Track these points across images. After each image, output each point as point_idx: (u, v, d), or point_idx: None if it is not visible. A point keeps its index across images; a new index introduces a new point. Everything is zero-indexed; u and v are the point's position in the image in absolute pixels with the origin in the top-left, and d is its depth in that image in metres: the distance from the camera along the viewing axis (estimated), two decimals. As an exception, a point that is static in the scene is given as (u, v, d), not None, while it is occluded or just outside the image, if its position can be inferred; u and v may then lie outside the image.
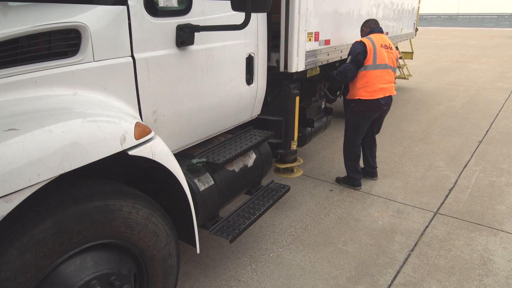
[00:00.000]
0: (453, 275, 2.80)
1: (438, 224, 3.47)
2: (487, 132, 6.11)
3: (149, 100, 2.03)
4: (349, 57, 3.71)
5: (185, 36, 2.13)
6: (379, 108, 3.81)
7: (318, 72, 4.01)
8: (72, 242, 1.57)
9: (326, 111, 4.76)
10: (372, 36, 3.77)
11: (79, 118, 1.54)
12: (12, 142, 1.31)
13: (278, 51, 3.22)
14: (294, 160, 3.68)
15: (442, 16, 55.20)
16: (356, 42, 3.72)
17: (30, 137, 1.35)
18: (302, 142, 4.09)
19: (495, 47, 20.42)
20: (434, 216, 3.61)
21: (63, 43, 1.65)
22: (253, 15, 2.63)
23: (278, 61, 3.23)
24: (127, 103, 1.90)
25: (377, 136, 4.32)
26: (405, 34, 7.64)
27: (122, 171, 2.15)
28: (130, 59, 1.89)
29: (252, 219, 2.70)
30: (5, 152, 1.28)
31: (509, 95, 8.68)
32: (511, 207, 3.76)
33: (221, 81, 2.57)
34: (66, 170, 1.43)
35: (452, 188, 4.19)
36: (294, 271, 2.86)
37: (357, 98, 3.77)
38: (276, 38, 3.23)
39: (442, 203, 3.87)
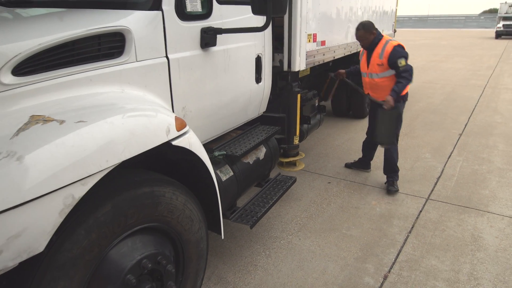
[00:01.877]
0: (449, 251, 3.08)
1: (431, 209, 3.78)
2: (466, 125, 6.54)
3: (180, 97, 2.21)
4: (404, 59, 3.67)
5: (208, 38, 2.32)
6: None
7: (309, 73, 4.27)
8: (127, 225, 1.74)
9: (319, 109, 5.02)
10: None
11: (132, 112, 1.71)
12: (83, 132, 1.47)
13: (281, 52, 3.44)
14: (296, 154, 3.91)
15: (413, 18, 57.05)
16: (399, 45, 3.75)
17: (97, 128, 1.52)
18: (299, 138, 4.32)
19: (465, 47, 21.42)
20: (426, 202, 3.91)
21: (111, 45, 1.82)
22: (259, 19, 2.85)
23: (281, 61, 3.45)
24: (163, 99, 2.07)
25: (366, 130, 4.59)
26: (386, 35, 8.05)
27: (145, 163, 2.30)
28: (165, 59, 2.07)
29: (267, 206, 2.90)
30: (80, 141, 1.44)
31: (483, 92, 9.24)
32: (494, 191, 4.11)
33: (236, 80, 2.77)
34: (127, 157, 1.60)
35: (439, 176, 4.52)
36: (305, 255, 3.08)
37: (406, 92, 3.92)
38: (278, 40, 3.46)
39: (432, 190, 4.18)
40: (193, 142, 2.03)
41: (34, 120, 1.44)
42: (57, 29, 1.65)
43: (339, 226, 3.49)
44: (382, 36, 3.89)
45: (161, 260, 1.91)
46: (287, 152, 3.83)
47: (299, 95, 3.67)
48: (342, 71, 4.48)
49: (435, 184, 4.32)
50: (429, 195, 4.05)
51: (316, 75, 5.00)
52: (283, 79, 3.73)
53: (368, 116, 4.53)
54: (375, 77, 3.92)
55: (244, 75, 2.89)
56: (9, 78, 1.48)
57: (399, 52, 3.69)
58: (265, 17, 2.23)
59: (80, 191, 1.44)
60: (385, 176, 4.26)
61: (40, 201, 1.31)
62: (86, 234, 1.55)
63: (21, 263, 1.33)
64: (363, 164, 4.66)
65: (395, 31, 9.18)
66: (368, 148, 4.55)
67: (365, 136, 4.58)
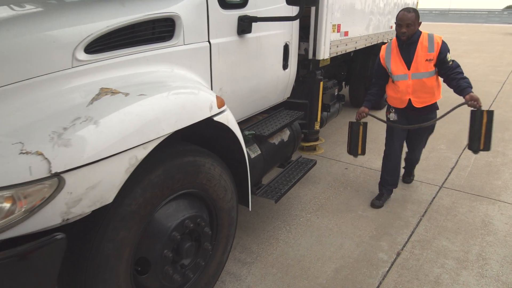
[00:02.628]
0: (459, 234, 3.27)
1: (444, 196, 3.95)
2: (482, 119, 6.61)
3: (218, 78, 2.43)
4: (449, 54, 3.23)
5: (244, 26, 2.53)
6: None
7: (329, 62, 4.43)
8: (173, 188, 1.98)
9: (338, 98, 5.21)
10: None
11: (181, 89, 1.94)
12: (145, 104, 1.71)
13: (305, 41, 3.63)
14: (317, 139, 4.12)
15: (433, 12, 55.93)
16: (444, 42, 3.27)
17: (155, 101, 1.75)
18: (320, 124, 4.52)
19: (486, 42, 21.07)
20: (439, 189, 4.08)
21: (163, 29, 2.05)
22: (287, 8, 3.04)
23: (306, 50, 3.65)
24: (204, 80, 2.30)
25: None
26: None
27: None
28: (207, 43, 2.29)
29: (290, 184, 3.13)
30: (142, 111, 1.68)
31: (502, 87, 9.22)
32: (506, 182, 4.25)
33: (265, 65, 2.98)
34: (178, 128, 1.84)
35: (453, 167, 4.67)
36: (323, 231, 3.31)
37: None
38: (303, 30, 3.64)
39: (446, 178, 4.34)
40: (230, 119, 2.26)
41: (104, 92, 1.68)
42: (120, 14, 1.88)
43: (355, 208, 3.70)
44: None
45: (200, 222, 2.16)
46: (308, 136, 4.04)
47: (321, 83, 3.86)
48: (364, 108, 3.57)
49: (449, 173, 4.48)
50: (443, 183, 4.22)
51: (335, 65, 5.16)
52: (305, 67, 3.92)
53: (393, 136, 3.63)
54: (423, 77, 3.25)
55: (273, 61, 3.09)
56: (83, 55, 1.72)
57: (447, 45, 3.24)
58: (296, 7, 2.42)
59: (142, 153, 1.68)
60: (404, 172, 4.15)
61: (112, 159, 1.56)
62: (142, 193, 1.80)
63: (93, 211, 1.58)
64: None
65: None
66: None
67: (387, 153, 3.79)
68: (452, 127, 6.15)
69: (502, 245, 3.12)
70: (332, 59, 4.41)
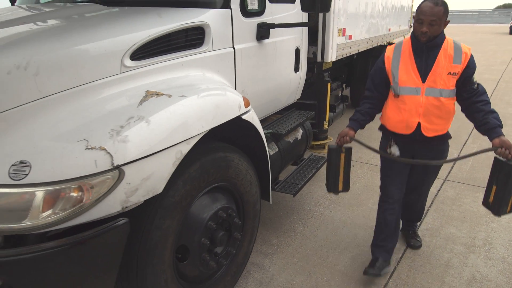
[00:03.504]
0: (465, 222, 3.47)
1: (448, 188, 4.16)
2: (479, 116, 6.85)
3: (241, 81, 2.63)
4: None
5: (263, 32, 2.73)
6: None
7: (331, 65, 4.65)
8: (208, 181, 2.17)
9: (342, 99, 5.43)
10: None
11: (214, 91, 2.14)
12: (186, 104, 1.90)
13: (313, 44, 3.84)
14: (326, 138, 4.32)
15: (425, 14, 56.58)
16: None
17: (194, 101, 1.95)
18: (328, 123, 4.72)
19: (478, 42, 21.49)
20: (444, 182, 4.29)
21: (195, 37, 2.25)
22: (299, 15, 3.26)
23: (314, 53, 3.86)
24: (230, 82, 2.50)
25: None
26: (402, 31, 8.36)
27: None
28: (232, 49, 2.49)
29: (306, 179, 3.32)
30: (184, 110, 1.87)
31: (496, 85, 9.51)
32: (506, 173, 4.46)
33: (280, 68, 3.18)
34: (214, 125, 2.03)
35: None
36: (337, 224, 3.50)
37: None
38: (311, 34, 3.85)
39: (449, 172, 4.55)
40: (254, 118, 2.46)
41: (150, 94, 1.87)
42: (158, 24, 2.08)
43: (365, 202, 3.89)
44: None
45: (231, 213, 2.35)
46: (317, 135, 4.24)
47: (329, 84, 4.07)
48: (348, 130, 2.65)
49: (452, 167, 4.69)
50: (446, 177, 4.43)
51: (337, 67, 5.38)
52: (309, 70, 4.12)
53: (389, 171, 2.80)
54: (441, 95, 2.39)
55: (286, 64, 3.29)
56: (129, 62, 1.92)
57: (475, 62, 2.41)
58: (306, 13, 2.63)
59: (186, 148, 1.87)
60: (404, 224, 3.19)
61: (162, 153, 1.75)
62: (183, 185, 1.98)
63: (145, 201, 1.76)
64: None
65: (410, 26, 9.49)
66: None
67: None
68: (452, 124, 6.37)
69: (506, 230, 3.32)
70: (334, 62, 4.62)
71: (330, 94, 4.75)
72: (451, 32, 30.38)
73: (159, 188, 1.78)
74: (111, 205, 1.62)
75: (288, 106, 3.75)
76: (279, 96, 3.33)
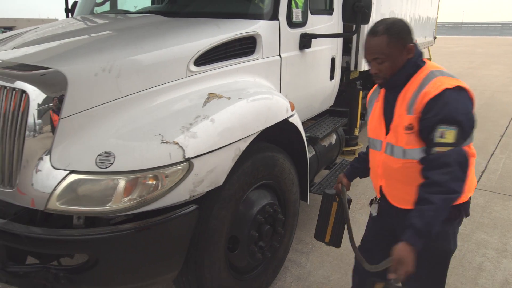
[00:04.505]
0: (496, 229, 3.54)
1: (478, 196, 4.22)
2: (506, 128, 6.86)
3: (285, 86, 2.81)
4: (455, 128, 1.52)
5: (305, 42, 2.92)
6: None
7: (358, 75, 4.79)
8: (257, 178, 2.35)
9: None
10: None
11: (265, 95, 2.33)
12: (243, 106, 2.10)
13: (348, 54, 4.01)
14: (356, 144, 4.45)
15: (446, 25, 56.23)
16: (459, 88, 1.58)
17: (250, 103, 2.14)
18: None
19: (502, 55, 21.23)
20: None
21: (248, 46, 2.45)
22: (335, 26, 3.44)
23: (348, 63, 4.02)
24: (276, 88, 2.69)
25: None
26: (427, 42, 8.45)
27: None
28: (278, 57, 2.69)
29: (340, 183, 3.46)
30: (243, 111, 2.07)
31: (523, 97, 9.44)
32: (536, 183, 4.50)
33: (318, 76, 3.36)
34: (267, 126, 2.21)
35: (484, 170, 4.94)
36: (369, 227, 3.61)
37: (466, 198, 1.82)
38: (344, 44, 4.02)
39: (478, 181, 4.61)
40: (298, 121, 2.64)
41: (211, 96, 2.08)
42: (216, 33, 2.29)
43: (395, 207, 3.99)
44: (424, 62, 1.70)
45: (276, 209, 2.51)
46: (348, 142, 4.37)
47: (360, 92, 4.22)
48: (342, 177, 2.21)
49: (480, 176, 4.75)
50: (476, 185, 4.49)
51: (363, 77, 5.53)
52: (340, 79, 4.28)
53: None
54: (400, 155, 1.70)
55: (323, 72, 3.47)
56: (193, 67, 2.13)
57: (452, 104, 1.54)
58: (341, 24, 2.81)
59: (243, 146, 2.06)
60: None
61: (224, 148, 1.94)
62: (237, 179, 2.17)
63: (206, 192, 1.95)
64: None
65: (435, 37, 9.54)
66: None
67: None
68: (478, 135, 6.39)
69: (538, 238, 3.37)
70: (360, 72, 4.76)
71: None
72: (474, 44, 30.13)
73: (220, 181, 1.96)
74: (181, 194, 1.82)
75: (322, 113, 3.92)
76: (315, 102, 3.50)
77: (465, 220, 3.39)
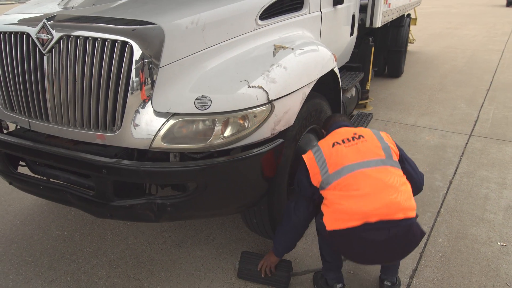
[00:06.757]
0: (495, 167, 4.04)
1: (475, 141, 4.71)
2: (491, 83, 7.39)
3: (323, 40, 3.07)
4: None
5: (337, -1, 3.17)
6: None
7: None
8: (310, 121, 2.65)
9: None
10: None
11: (318, 46, 2.59)
12: (306, 55, 2.36)
13: (363, 11, 4.27)
14: (367, 98, 4.80)
15: (421, -14, 56.28)
16: None
17: (310, 53, 2.41)
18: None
19: (477, 15, 21.81)
20: (469, 137, 4.85)
21: (297, 1, 2.67)
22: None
23: (363, 20, 4.28)
24: (317, 40, 2.94)
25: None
26: (415, 2, 8.74)
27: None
28: (320, 13, 2.92)
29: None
30: (306, 60, 2.33)
31: (502, 55, 10.01)
32: (523, 129, 5.04)
33: (343, 31, 3.63)
34: (323, 73, 2.49)
35: (476, 120, 5.44)
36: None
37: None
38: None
39: (473, 129, 5.11)
40: (337, 72, 2.92)
41: (277, 47, 2.32)
42: (274, -11, 2.50)
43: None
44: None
45: (324, 149, 2.84)
46: (361, 95, 4.72)
47: (373, 48, 4.52)
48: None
49: (474, 125, 5.24)
50: (471, 132, 4.98)
51: (374, 34, 5.83)
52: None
53: None
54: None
55: (346, 28, 3.73)
56: (259, 21, 2.35)
57: None
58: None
59: (307, 90, 2.34)
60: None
61: (296, 93, 2.22)
62: (297, 122, 2.45)
63: (280, 132, 2.24)
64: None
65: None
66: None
67: None
68: (466, 90, 6.91)
69: (530, 172, 3.90)
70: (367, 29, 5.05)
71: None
72: (447, 4, 30.58)
73: (292, 121, 2.26)
74: (265, 131, 2.10)
75: (341, 68, 4.21)
76: (340, 56, 3.78)
77: (467, 160, 3.92)
